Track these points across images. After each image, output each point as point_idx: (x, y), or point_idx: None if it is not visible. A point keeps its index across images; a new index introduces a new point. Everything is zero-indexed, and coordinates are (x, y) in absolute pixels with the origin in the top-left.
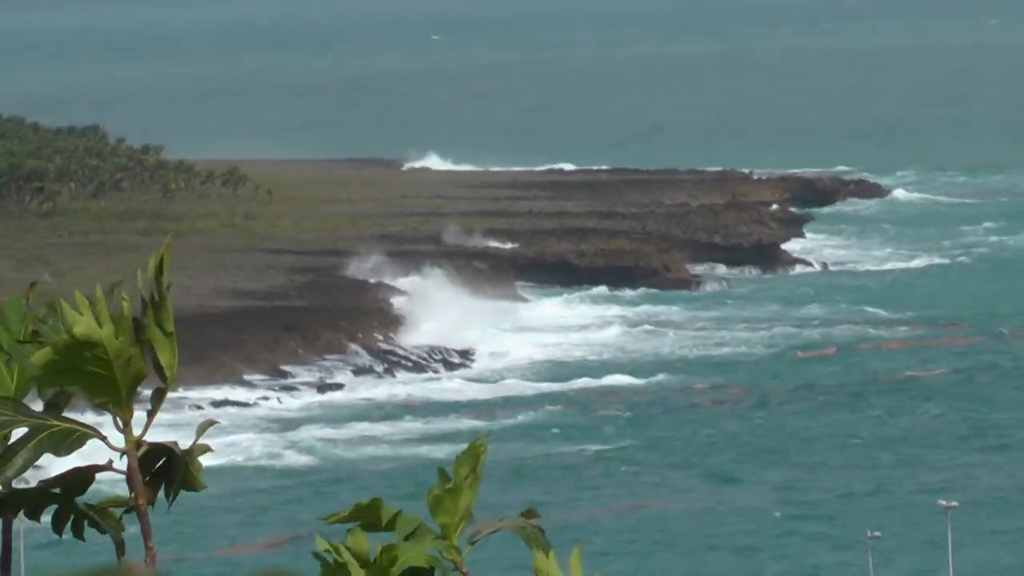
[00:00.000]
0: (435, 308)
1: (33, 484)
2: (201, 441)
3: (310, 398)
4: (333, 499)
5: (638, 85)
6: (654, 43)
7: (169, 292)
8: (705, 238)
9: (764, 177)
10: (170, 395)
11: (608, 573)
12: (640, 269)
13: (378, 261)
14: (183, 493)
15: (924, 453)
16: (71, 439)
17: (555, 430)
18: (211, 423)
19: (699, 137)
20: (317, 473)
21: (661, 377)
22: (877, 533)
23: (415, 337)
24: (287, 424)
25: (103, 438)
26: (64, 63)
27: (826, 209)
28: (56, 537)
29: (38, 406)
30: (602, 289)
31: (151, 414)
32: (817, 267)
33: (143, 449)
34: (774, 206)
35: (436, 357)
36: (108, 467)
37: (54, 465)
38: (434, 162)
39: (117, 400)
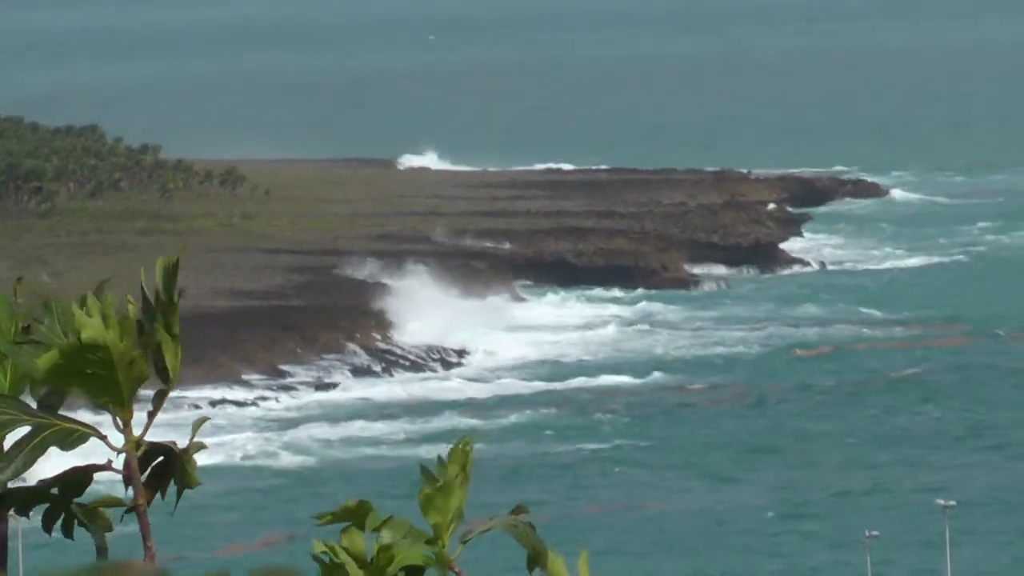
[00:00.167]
0: (432, 308)
1: (31, 483)
2: (196, 439)
3: (308, 397)
4: (330, 498)
5: (637, 85)
6: (653, 43)
7: (180, 297)
8: (703, 238)
9: (762, 177)
10: (169, 395)
11: (605, 573)
12: (638, 269)
13: (374, 262)
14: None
15: (922, 453)
16: (72, 438)
17: (551, 430)
18: (205, 419)
19: (697, 137)
20: (315, 472)
21: (659, 376)
22: (875, 532)
23: (413, 337)
24: (285, 423)
25: (103, 437)
26: (63, 63)
27: (824, 209)
28: (55, 536)
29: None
30: (600, 288)
31: (151, 415)
32: (815, 267)
33: (142, 449)
34: (772, 206)
35: (434, 356)
36: (107, 467)
37: (49, 462)
38: (432, 162)
39: (118, 401)
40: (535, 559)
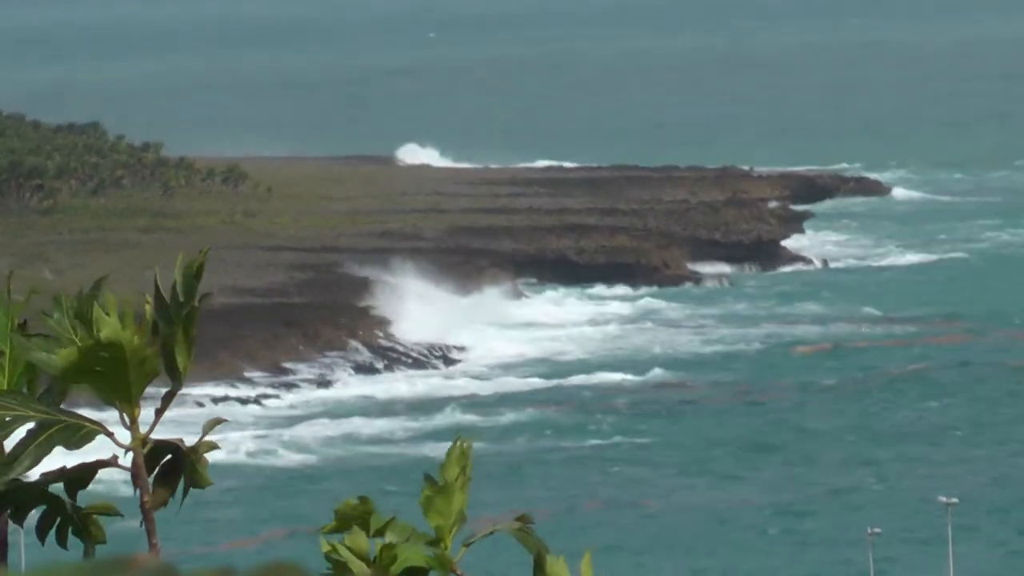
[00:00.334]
0: (434, 305)
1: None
2: (207, 438)
3: (310, 395)
4: (332, 496)
5: (638, 82)
6: (654, 40)
7: (204, 301)
8: (705, 235)
9: (764, 174)
10: (177, 394)
11: (605, 572)
12: (640, 266)
13: (376, 259)
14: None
15: (924, 450)
16: (80, 435)
17: (551, 428)
18: (218, 421)
19: (699, 134)
20: (316, 469)
21: (660, 374)
22: (877, 529)
23: (415, 334)
24: (287, 421)
25: (110, 434)
26: (64, 60)
27: (826, 206)
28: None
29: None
30: (602, 286)
31: (159, 412)
32: (817, 264)
33: (149, 447)
34: (774, 203)
35: (436, 354)
36: (113, 463)
37: (53, 458)
38: (434, 159)
39: (127, 398)
40: (540, 563)
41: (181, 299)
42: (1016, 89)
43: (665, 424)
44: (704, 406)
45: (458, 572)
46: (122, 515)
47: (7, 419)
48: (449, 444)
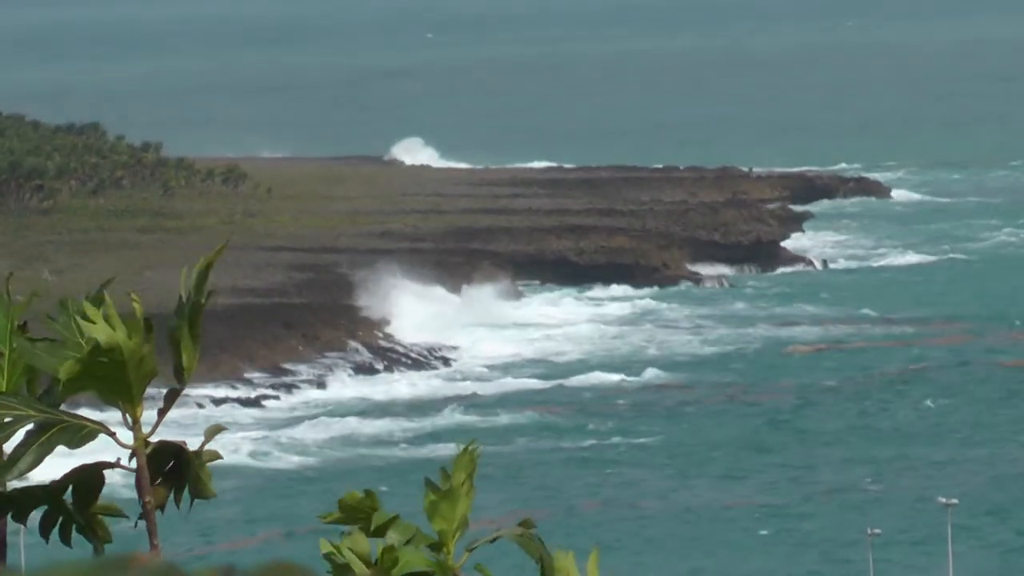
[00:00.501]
0: (434, 306)
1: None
2: (210, 447)
3: (310, 395)
4: (332, 496)
5: (637, 82)
6: (654, 40)
7: (209, 298)
8: (705, 236)
9: (764, 175)
10: (180, 394)
11: (604, 572)
12: (639, 267)
13: (375, 259)
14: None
15: (923, 451)
16: (80, 435)
17: (550, 428)
18: (220, 428)
19: (699, 134)
20: (316, 470)
21: (659, 374)
22: (877, 530)
23: (414, 335)
24: (287, 422)
25: (112, 434)
26: (64, 60)
27: (825, 207)
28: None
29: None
30: (601, 286)
31: (162, 413)
32: (817, 265)
33: (151, 447)
34: (773, 204)
35: (436, 354)
36: (116, 464)
37: (55, 460)
38: (433, 159)
39: (128, 398)
40: (544, 570)
41: (192, 294)
42: (1015, 90)
43: (664, 425)
44: (703, 407)
45: None
46: (127, 516)
47: (7, 420)
48: (448, 445)
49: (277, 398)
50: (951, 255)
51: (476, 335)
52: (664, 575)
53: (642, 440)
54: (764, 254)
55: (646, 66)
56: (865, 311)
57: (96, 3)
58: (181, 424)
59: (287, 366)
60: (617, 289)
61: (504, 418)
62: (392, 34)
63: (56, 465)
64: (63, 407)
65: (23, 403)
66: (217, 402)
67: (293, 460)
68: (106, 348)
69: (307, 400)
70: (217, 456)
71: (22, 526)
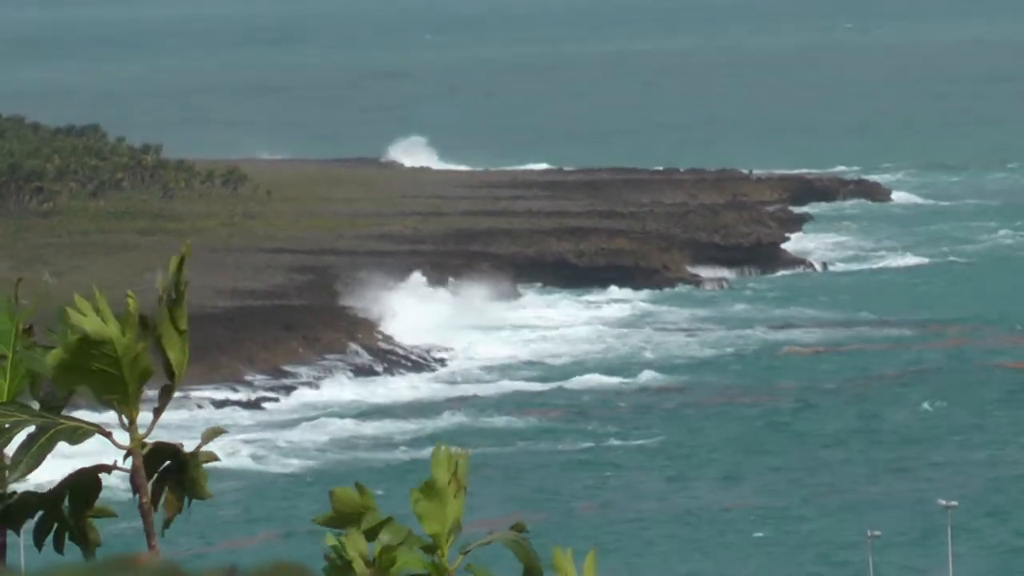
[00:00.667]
0: (434, 308)
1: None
2: (206, 449)
3: (310, 397)
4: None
5: (637, 84)
6: (654, 39)
7: (185, 290)
8: (705, 238)
9: (764, 177)
10: (174, 391)
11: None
12: (640, 269)
13: (375, 261)
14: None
15: (923, 452)
16: (77, 435)
17: (550, 430)
18: (218, 432)
19: (699, 136)
20: (316, 472)
21: (658, 376)
22: (877, 532)
23: (414, 337)
24: (287, 423)
25: (108, 435)
26: (64, 62)
27: (825, 209)
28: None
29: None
30: (601, 289)
31: (157, 412)
32: (817, 267)
33: (148, 448)
34: (773, 206)
35: (436, 357)
36: (113, 467)
37: (54, 463)
38: (433, 161)
39: (124, 398)
40: (531, 574)
41: (169, 291)
42: (1014, 91)
43: (662, 427)
44: (702, 409)
45: None
46: (116, 515)
47: (6, 425)
48: (447, 447)
49: (277, 400)
50: (950, 257)
51: (476, 337)
52: None
53: (641, 442)
54: (764, 256)
55: (646, 66)
56: (864, 313)
57: (96, 3)
58: (182, 426)
59: (287, 368)
60: (617, 291)
61: (503, 420)
62: (392, 34)
63: (54, 469)
64: (63, 413)
65: (20, 409)
66: (217, 404)
67: (293, 462)
68: (96, 340)
69: (307, 402)
70: (214, 457)
71: (16, 534)
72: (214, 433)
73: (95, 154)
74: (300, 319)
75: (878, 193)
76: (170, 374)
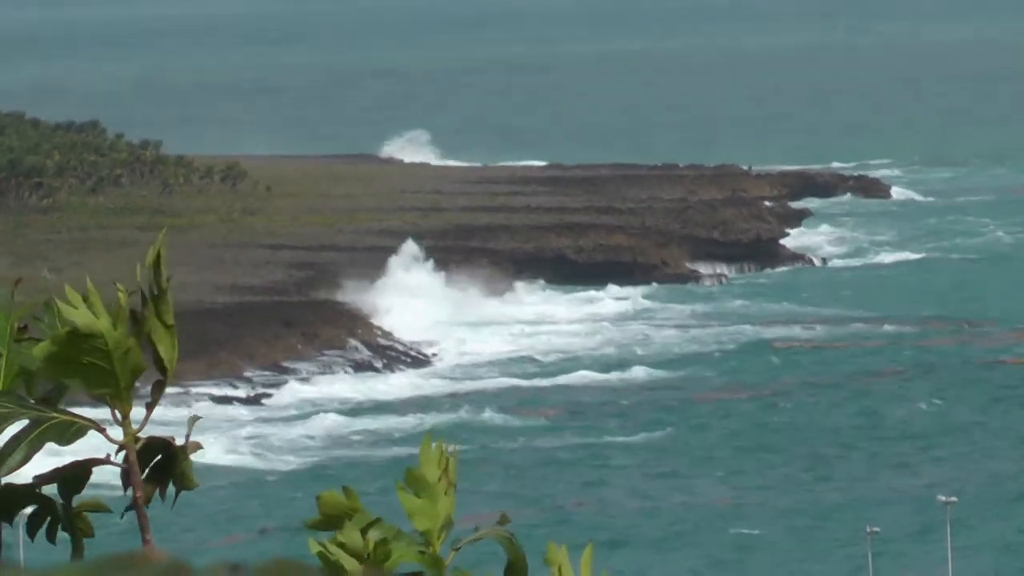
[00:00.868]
0: (433, 304)
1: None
2: (193, 438)
3: (309, 393)
4: None
5: (636, 80)
6: (653, 39)
7: (169, 285)
8: (704, 233)
9: (763, 173)
10: (172, 391)
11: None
12: (638, 265)
13: (374, 257)
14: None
15: (922, 448)
16: (71, 431)
17: (547, 426)
18: (197, 418)
19: (698, 132)
20: (316, 468)
21: (657, 372)
22: (876, 528)
23: (414, 333)
24: (287, 419)
25: (102, 430)
26: (63, 58)
27: (825, 204)
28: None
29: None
30: (600, 284)
31: (150, 407)
32: (816, 263)
33: (141, 443)
34: (772, 202)
35: (435, 352)
36: (106, 461)
37: (48, 458)
38: (432, 157)
39: (116, 393)
40: (515, 569)
41: (152, 287)
42: (1012, 89)
43: (660, 423)
44: (699, 405)
45: None
46: (111, 510)
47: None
48: (447, 443)
49: (276, 396)
50: (950, 253)
51: (475, 333)
52: (658, 575)
53: (638, 438)
54: (763, 252)
55: (646, 66)
56: (863, 309)
57: (96, 3)
58: (181, 422)
59: (286, 364)
60: (615, 287)
61: (500, 416)
62: (391, 34)
63: (47, 463)
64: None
65: (12, 401)
66: (217, 400)
67: (292, 458)
68: (85, 332)
69: (306, 398)
70: (199, 447)
71: (21, 520)
72: (194, 420)
73: (94, 150)
74: (299, 315)
75: (877, 189)
76: (161, 369)
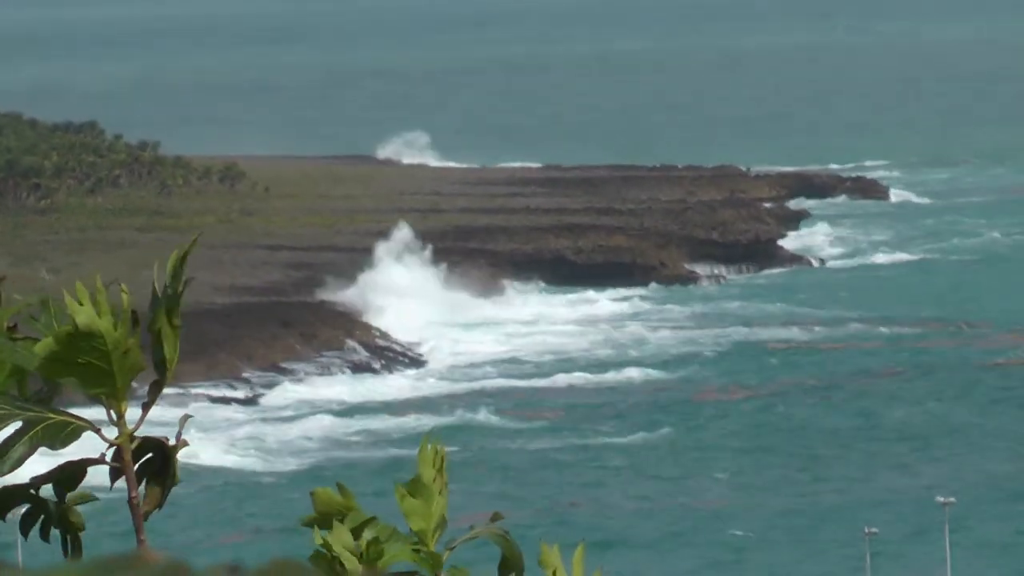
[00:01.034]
0: (432, 305)
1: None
2: (188, 438)
3: (308, 394)
4: None
5: (635, 81)
6: (653, 39)
7: (186, 287)
8: (702, 234)
9: (761, 174)
10: (170, 392)
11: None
12: (637, 266)
13: (373, 258)
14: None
15: (920, 449)
16: (67, 432)
17: (545, 426)
18: (188, 416)
19: (697, 134)
20: (314, 469)
21: (655, 373)
22: (874, 529)
23: (412, 333)
24: (285, 419)
25: (97, 430)
26: (62, 59)
27: (823, 205)
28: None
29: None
30: (599, 286)
31: (146, 407)
32: (814, 264)
33: (136, 443)
34: (771, 203)
35: (433, 353)
36: (101, 460)
37: (42, 458)
38: (431, 158)
39: (112, 392)
40: (510, 564)
41: (169, 289)
42: (1011, 90)
43: (659, 424)
44: (698, 406)
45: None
46: (97, 499)
47: None
48: (447, 443)
49: (274, 396)
50: (948, 255)
51: (474, 334)
52: (656, 575)
53: (635, 439)
54: (762, 253)
55: (645, 65)
56: (861, 310)
57: (95, 2)
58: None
59: (285, 364)
60: (614, 288)
61: (497, 416)
62: (391, 34)
63: (43, 462)
64: (51, 407)
65: (6, 402)
66: (215, 400)
67: (290, 458)
68: (86, 332)
69: (304, 398)
70: (186, 444)
71: (16, 518)
72: (184, 420)
73: (93, 151)
74: (297, 316)
75: (876, 190)
76: (163, 370)
